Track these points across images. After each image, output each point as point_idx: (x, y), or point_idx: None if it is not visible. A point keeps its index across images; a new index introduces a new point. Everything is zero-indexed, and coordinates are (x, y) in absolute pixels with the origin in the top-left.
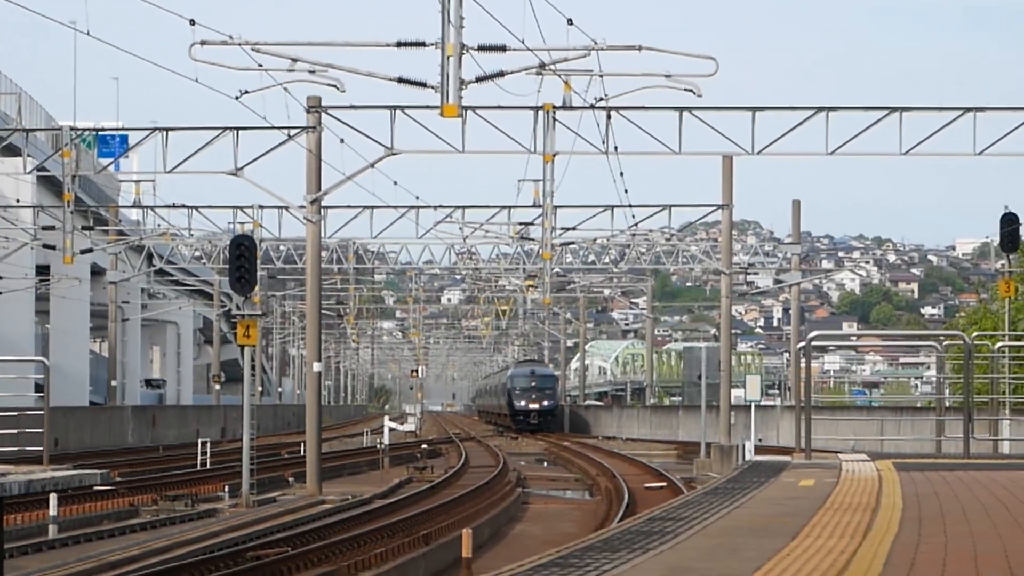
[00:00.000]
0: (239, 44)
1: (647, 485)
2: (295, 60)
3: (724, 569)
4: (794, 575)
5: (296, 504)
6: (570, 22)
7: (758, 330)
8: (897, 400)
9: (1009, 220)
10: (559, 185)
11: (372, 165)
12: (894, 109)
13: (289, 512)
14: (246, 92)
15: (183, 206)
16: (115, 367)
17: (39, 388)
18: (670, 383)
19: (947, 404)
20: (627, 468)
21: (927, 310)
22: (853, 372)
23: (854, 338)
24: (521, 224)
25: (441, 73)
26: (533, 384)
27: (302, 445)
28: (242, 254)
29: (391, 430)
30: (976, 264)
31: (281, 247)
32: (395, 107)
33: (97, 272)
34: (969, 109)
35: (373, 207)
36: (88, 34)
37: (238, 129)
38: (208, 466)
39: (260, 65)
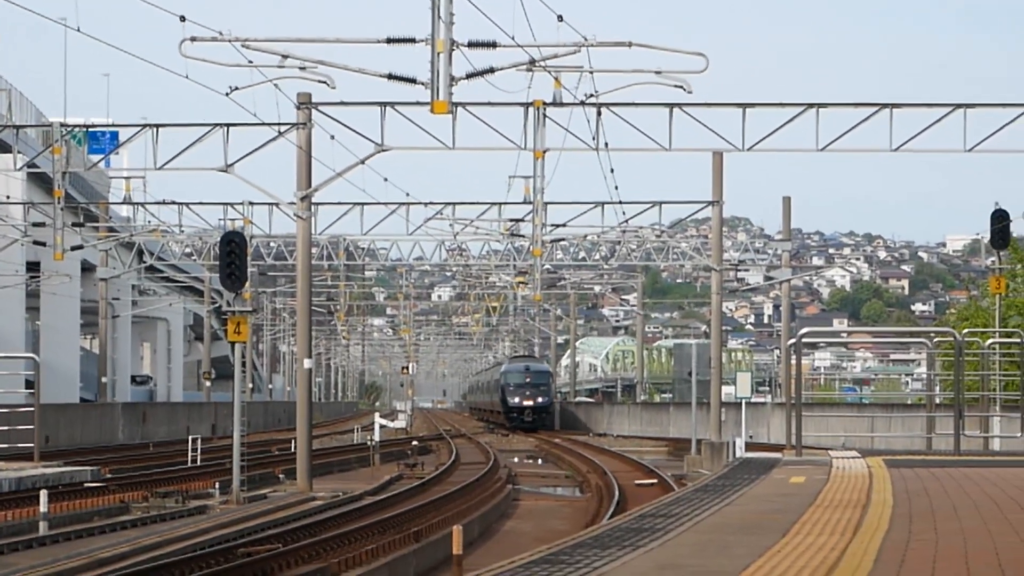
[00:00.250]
0: (229, 40)
1: (637, 482)
2: (285, 56)
3: (715, 566)
4: (785, 572)
5: (286, 501)
6: (560, 18)
7: (748, 327)
8: (888, 397)
9: (1000, 217)
10: (549, 181)
11: (362, 161)
12: (884, 105)
13: (279, 509)
14: (236, 88)
15: (173, 202)
16: (105, 364)
17: (29, 385)
18: (661, 380)
19: (937, 401)
20: (617, 465)
21: (917, 307)
22: (844, 369)
23: (844, 335)
24: (511, 220)
25: (431, 69)
26: (527, 380)
27: (292, 442)
28: (232, 250)
29: (381, 427)
30: (967, 261)
31: (272, 243)
32: (385, 103)
33: (87, 269)
34: (959, 106)
35: (364, 203)
36: (79, 30)
37: (228, 125)
38: (198, 463)
39: (250, 61)
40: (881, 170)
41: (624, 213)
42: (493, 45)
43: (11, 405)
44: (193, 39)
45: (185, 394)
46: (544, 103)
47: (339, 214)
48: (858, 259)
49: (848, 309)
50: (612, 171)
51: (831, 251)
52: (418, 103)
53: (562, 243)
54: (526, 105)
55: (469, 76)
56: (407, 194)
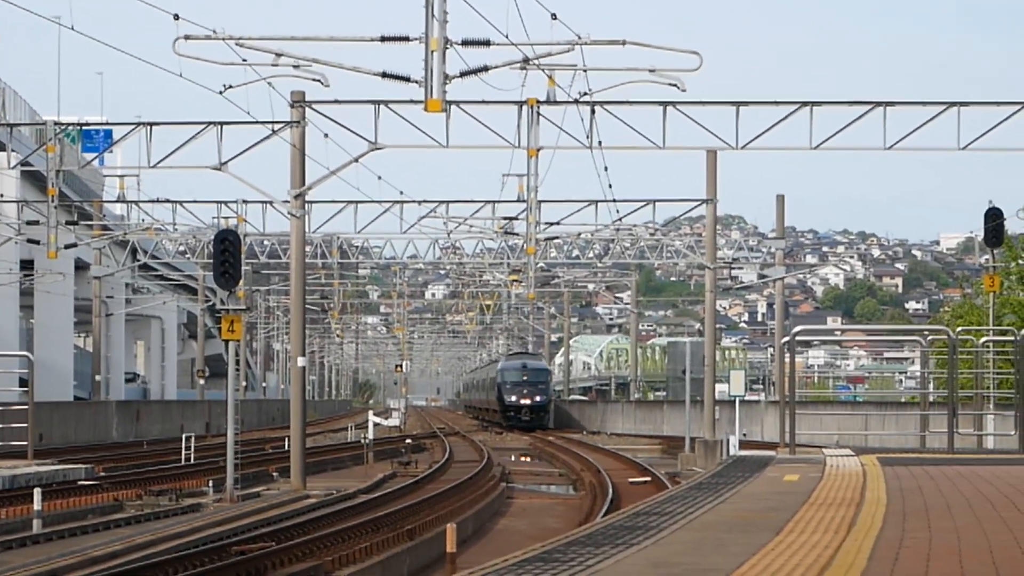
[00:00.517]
0: (223, 39)
1: (631, 480)
2: (279, 55)
3: (709, 564)
4: (779, 570)
5: (280, 499)
6: (554, 17)
7: (742, 325)
8: (881, 395)
9: (993, 215)
10: (543, 180)
11: (356, 160)
12: (878, 104)
13: (273, 507)
14: (230, 87)
15: (167, 201)
16: (99, 362)
17: (23, 383)
18: (654, 378)
19: (931, 399)
20: (611, 463)
21: (911, 305)
22: (837, 367)
23: (838, 333)
24: (505, 219)
25: (425, 68)
26: (525, 378)
27: (286, 440)
28: (226, 249)
29: (375, 425)
30: (960, 259)
31: (265, 242)
32: (379, 102)
33: (81, 267)
34: (953, 104)
35: (357, 202)
36: (72, 29)
37: (222, 124)
38: (192, 461)
39: (244, 60)
40: (875, 168)
41: (618, 211)
42: (487, 43)
43: (5, 403)
44: (187, 37)
45: (179, 392)
46: (538, 101)
47: (333, 212)
48: (852, 257)
49: (842, 307)
50: (606, 169)
51: (825, 249)
52: (412, 101)
53: (556, 241)
54: (520, 103)
55: (463, 74)
56: (401, 192)
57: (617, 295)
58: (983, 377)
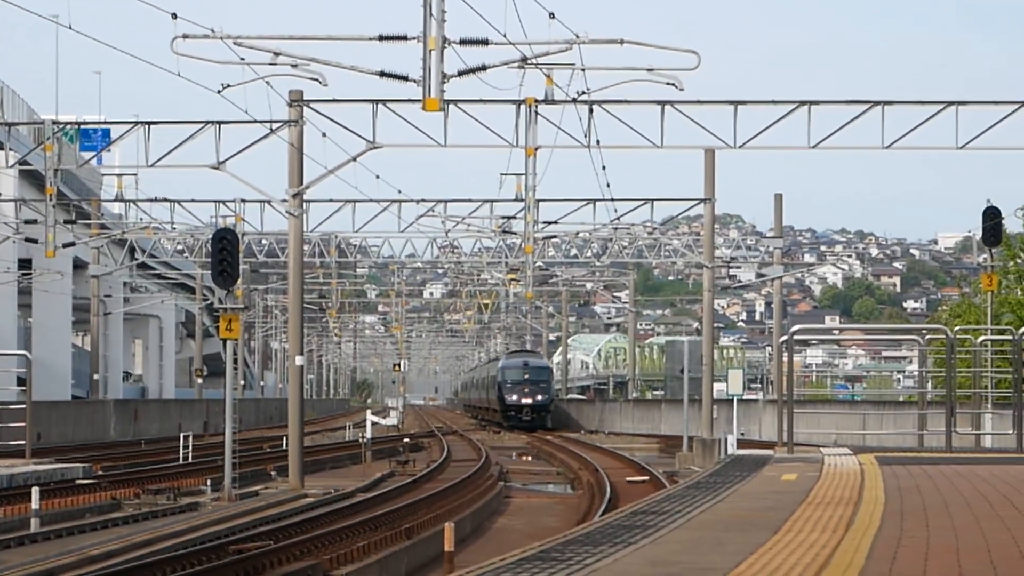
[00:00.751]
0: (221, 38)
1: (629, 479)
2: (277, 54)
3: (706, 563)
4: (777, 569)
5: (278, 498)
6: (552, 16)
7: (740, 324)
8: (879, 394)
9: (992, 214)
10: (541, 179)
11: (354, 159)
12: (876, 103)
13: (271, 506)
14: (228, 86)
15: (165, 200)
16: (97, 361)
17: (21, 382)
18: (652, 377)
19: (929, 398)
20: (609, 462)
21: (909, 304)
22: (835, 366)
23: (836, 332)
24: (503, 218)
25: (423, 67)
26: (526, 377)
27: (284, 439)
28: (224, 248)
29: (373, 424)
30: (958, 258)
31: (263, 241)
32: (377, 101)
33: (79, 266)
34: (951, 103)
35: (355, 201)
36: (70, 28)
37: (220, 123)
38: (190, 460)
39: (242, 59)
40: (873, 167)
41: (616, 210)
42: (485, 43)
43: (3, 402)
44: (185, 36)
45: (177, 391)
46: (536, 100)
47: (331, 211)
48: (850, 256)
49: (840, 306)
50: (604, 168)
51: (823, 248)
52: (410, 100)
53: (554, 240)
54: (518, 103)
55: (461, 73)
56: (399, 191)
57: (615, 294)
58: (981, 376)
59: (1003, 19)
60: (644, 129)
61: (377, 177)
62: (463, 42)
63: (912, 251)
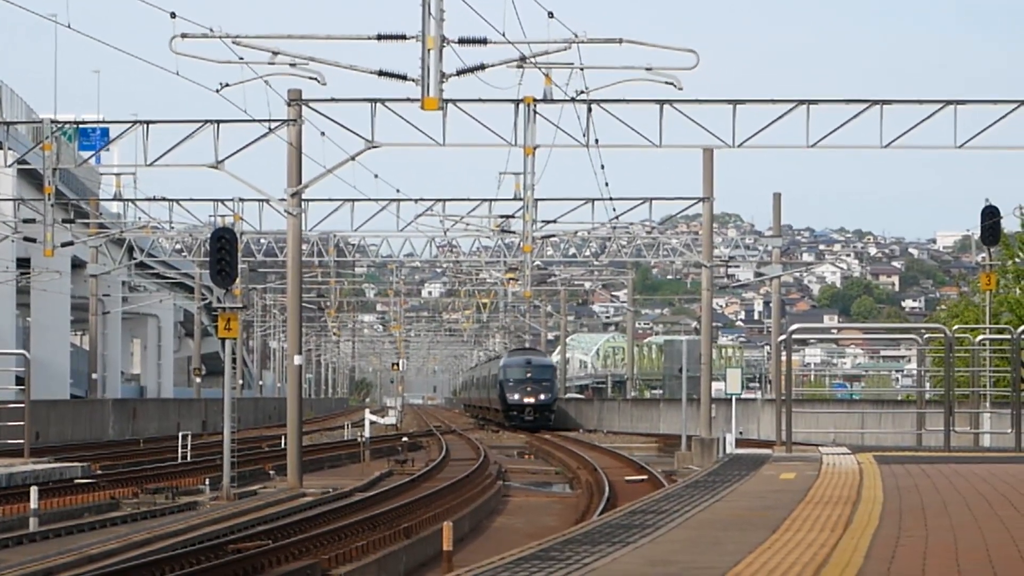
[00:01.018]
0: (220, 37)
1: (628, 478)
2: (276, 53)
3: (705, 562)
4: (775, 568)
5: (277, 497)
6: (551, 15)
7: (739, 323)
8: (878, 393)
9: (990, 213)
10: (540, 178)
11: (353, 158)
12: (875, 102)
13: (270, 505)
14: (227, 85)
15: (164, 199)
16: (96, 360)
17: (20, 381)
18: (651, 376)
19: (928, 397)
20: (608, 461)
21: (908, 303)
22: (834, 365)
23: (835, 331)
24: (502, 217)
25: (422, 66)
26: (529, 375)
27: (283, 438)
28: (223, 247)
29: (372, 423)
30: (957, 257)
31: (262, 240)
32: (376, 100)
33: (78, 265)
34: (950, 102)
35: (354, 200)
36: (69, 27)
37: (219, 122)
38: (189, 459)
39: (241, 58)
40: (872, 166)
41: (615, 209)
42: (484, 42)
43: (1, 401)
44: (183, 36)
45: (175, 390)
46: (535, 100)
47: (329, 210)
48: (848, 255)
49: (838, 305)
50: (603, 167)
51: (821, 247)
52: (408, 100)
53: (552, 239)
54: (516, 102)
55: (460, 73)
56: (397, 190)
57: (614, 293)
58: (980, 375)
59: (1002, 19)
60: (643, 128)
61: (376, 176)
62: (462, 41)
63: (911, 250)
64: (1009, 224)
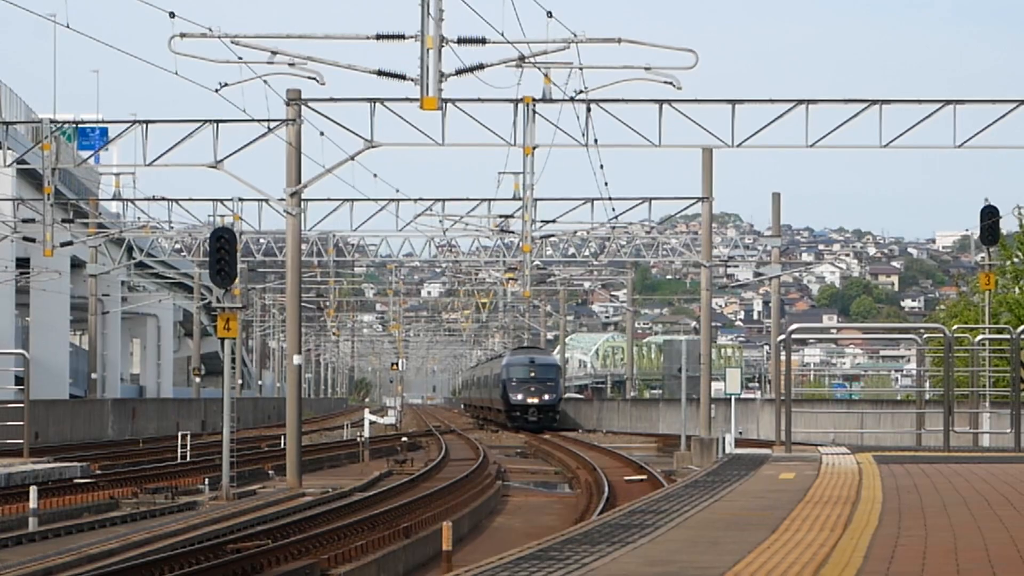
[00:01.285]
0: (219, 37)
1: (627, 478)
2: (275, 53)
3: (704, 562)
4: (774, 568)
5: (276, 497)
6: (550, 15)
7: (738, 323)
8: (877, 393)
9: (989, 213)
10: (539, 178)
11: (352, 158)
12: (874, 102)
13: (269, 505)
14: (226, 85)
15: (163, 199)
16: (95, 360)
17: (19, 381)
18: (650, 376)
19: (927, 397)
20: (607, 461)
21: (907, 303)
22: (833, 365)
23: (834, 331)
24: (501, 217)
25: (421, 66)
26: (532, 375)
27: (282, 438)
28: (222, 247)
29: (371, 423)
30: (956, 257)
31: (261, 240)
32: (375, 100)
33: (77, 265)
34: (949, 102)
35: (353, 200)
36: (68, 27)
37: (218, 122)
38: (188, 459)
39: (240, 58)
40: (871, 166)
41: (614, 209)
42: (483, 41)
43: (1, 401)
44: (183, 35)
45: (175, 390)
46: (534, 99)
47: (329, 210)
48: (848, 255)
49: (838, 305)
50: (602, 167)
51: (821, 247)
52: (408, 99)
53: (552, 239)
54: (516, 101)
55: (459, 72)
56: (397, 190)
57: (613, 293)
58: (979, 375)
59: (1001, 18)
60: (642, 128)
61: (375, 176)
62: (461, 41)
63: (910, 250)
64: (1008, 224)
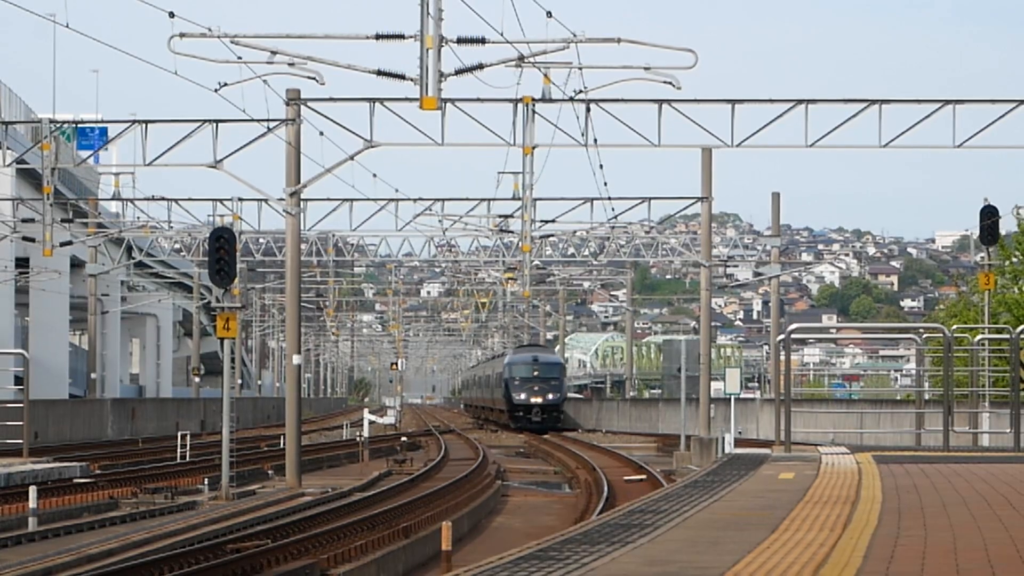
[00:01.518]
0: (218, 37)
1: (627, 478)
2: (274, 53)
3: (704, 562)
4: (774, 568)
5: (276, 497)
6: (549, 15)
7: (738, 323)
8: (877, 393)
9: (988, 213)
10: (538, 178)
11: (351, 158)
12: (873, 102)
13: (269, 505)
14: (225, 85)
15: (163, 199)
16: (95, 360)
17: (19, 381)
18: (650, 376)
19: (927, 397)
20: (607, 461)
21: (907, 303)
22: (833, 365)
23: (834, 331)
24: (501, 217)
25: (420, 66)
26: (536, 373)
27: (282, 438)
28: (222, 247)
29: (371, 423)
30: (956, 257)
31: (261, 240)
32: (374, 100)
33: (77, 265)
34: (948, 102)
35: (353, 200)
36: (67, 26)
37: (217, 122)
38: (188, 459)
39: (239, 58)
40: (870, 166)
41: (613, 209)
42: (482, 41)
43: (0, 401)
44: (182, 35)
45: (174, 390)
46: (533, 99)
47: (328, 210)
48: (847, 255)
49: (837, 305)
50: (601, 167)
51: (820, 247)
52: (407, 99)
53: (551, 239)
54: (515, 101)
55: (458, 72)
56: (396, 190)
57: (612, 293)
58: (979, 375)
59: (1001, 18)
60: (641, 128)
61: (374, 176)
62: (460, 41)
63: (909, 250)
64: (1007, 224)
